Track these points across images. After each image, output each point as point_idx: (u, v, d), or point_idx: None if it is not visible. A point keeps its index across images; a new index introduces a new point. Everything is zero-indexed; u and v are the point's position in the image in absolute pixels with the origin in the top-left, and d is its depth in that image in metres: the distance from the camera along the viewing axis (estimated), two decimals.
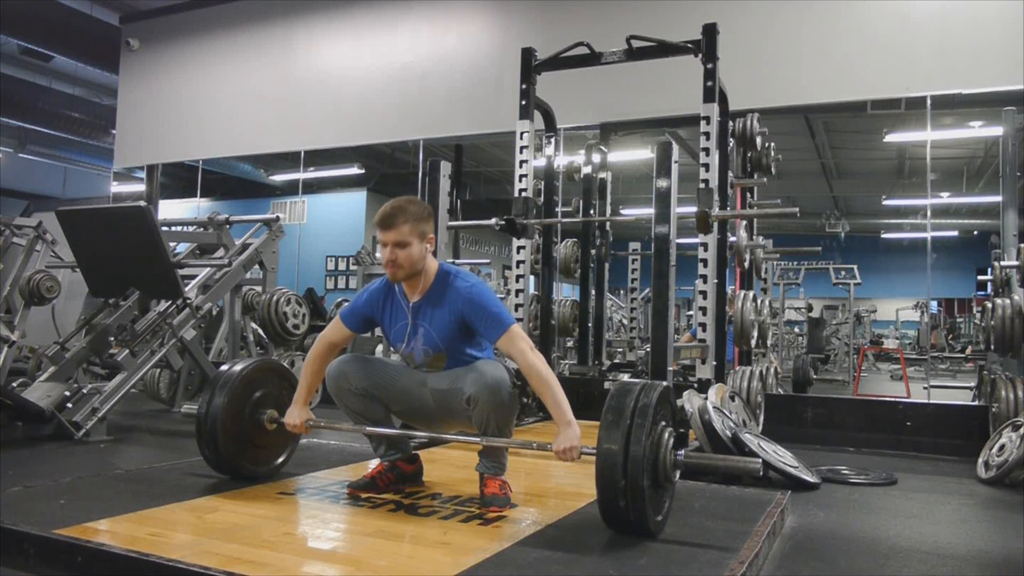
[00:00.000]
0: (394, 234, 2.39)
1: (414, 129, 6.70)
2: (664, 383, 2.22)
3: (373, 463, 2.75)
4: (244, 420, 2.69)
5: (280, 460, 2.88)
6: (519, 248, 4.42)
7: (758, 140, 5.01)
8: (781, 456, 3.36)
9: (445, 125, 6.56)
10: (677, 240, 3.37)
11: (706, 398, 3.36)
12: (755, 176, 5.24)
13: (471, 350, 2.53)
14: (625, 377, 5.14)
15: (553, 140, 4.88)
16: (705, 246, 3.95)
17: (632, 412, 2.06)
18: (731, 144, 4.79)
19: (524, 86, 4.32)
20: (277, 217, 5.72)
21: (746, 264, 5.02)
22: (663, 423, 2.16)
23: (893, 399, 6.08)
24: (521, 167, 4.35)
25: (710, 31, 3.83)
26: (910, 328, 16.77)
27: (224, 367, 2.75)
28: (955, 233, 14.62)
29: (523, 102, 4.33)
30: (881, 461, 4.10)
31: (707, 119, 3.83)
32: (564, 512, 2.35)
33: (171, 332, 4.64)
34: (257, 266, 5.61)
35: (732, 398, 3.79)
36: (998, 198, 6.64)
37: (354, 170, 10.29)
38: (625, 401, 2.10)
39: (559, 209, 5.29)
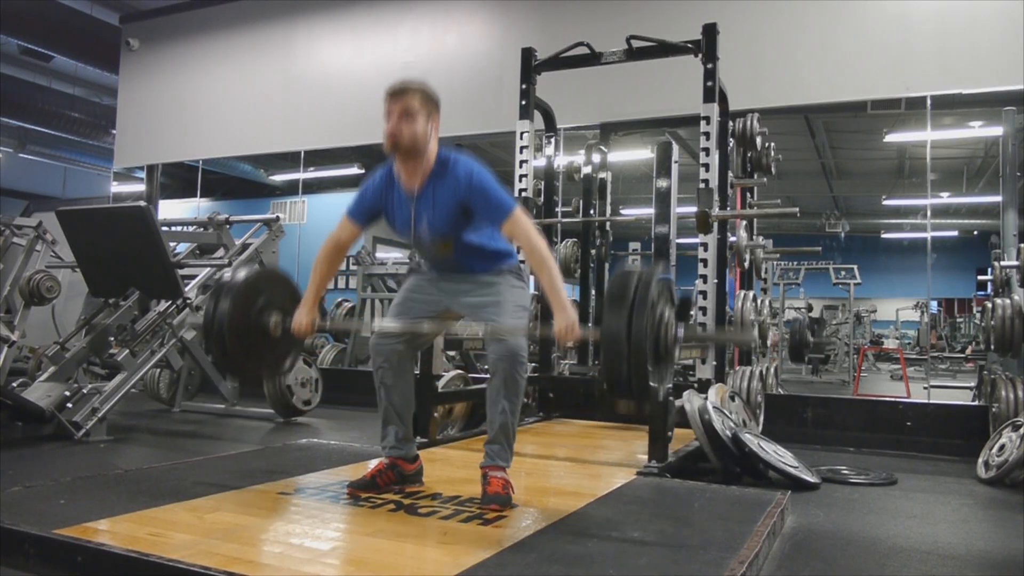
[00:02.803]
0: (402, 103, 2.37)
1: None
2: (663, 271, 2.25)
3: (373, 463, 2.75)
4: (250, 324, 2.65)
5: (287, 365, 2.89)
6: (518, 248, 4.41)
7: (758, 140, 5.01)
8: (781, 456, 3.36)
9: (445, 125, 6.43)
10: (677, 240, 3.37)
11: (706, 398, 3.36)
12: (755, 176, 5.23)
13: (477, 237, 2.49)
14: None
15: (553, 140, 4.88)
16: (705, 246, 3.95)
17: (635, 291, 2.09)
18: (731, 144, 4.79)
19: (524, 86, 4.32)
20: (277, 217, 5.72)
21: (746, 264, 5.02)
22: (663, 302, 2.19)
23: (893, 399, 6.08)
24: (521, 167, 4.34)
25: (710, 31, 3.83)
26: (910, 328, 16.76)
27: (227, 274, 2.73)
28: (955, 233, 14.62)
29: (523, 102, 4.33)
30: (881, 461, 4.10)
31: (707, 119, 3.82)
32: (564, 512, 2.34)
33: (171, 332, 4.64)
34: (257, 266, 5.60)
35: (732, 398, 3.79)
36: (998, 198, 6.65)
37: (354, 170, 10.28)
38: (628, 282, 2.13)
39: (559, 209, 5.29)
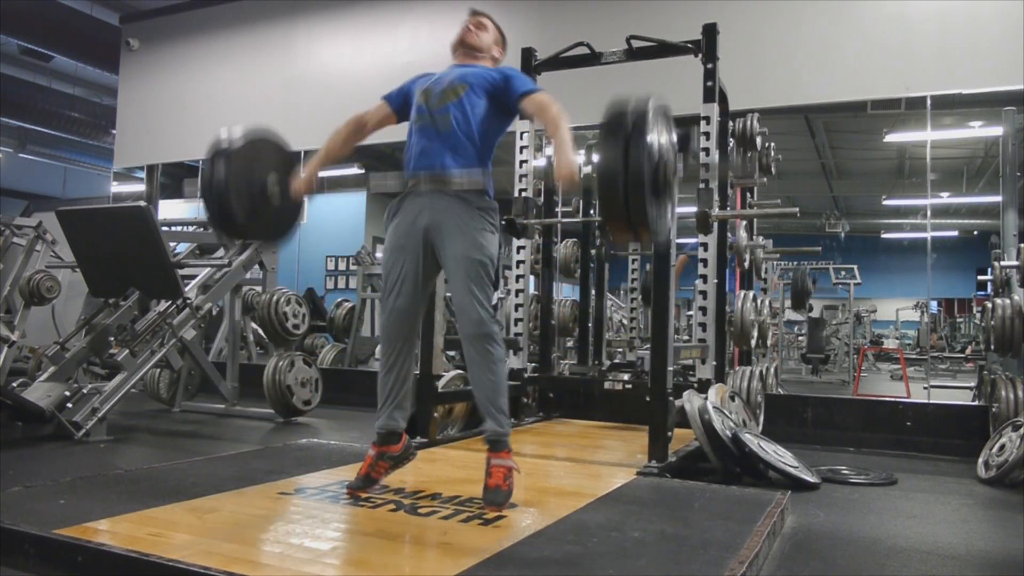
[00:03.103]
0: (480, 18, 2.73)
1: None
2: (657, 97, 2.18)
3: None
4: (250, 184, 2.69)
5: (287, 227, 2.92)
6: (519, 248, 4.42)
7: (758, 140, 5.01)
8: (781, 456, 3.36)
9: None
10: (677, 240, 3.37)
11: (706, 398, 3.36)
12: (755, 176, 5.23)
13: (484, 125, 2.52)
14: (625, 377, 5.14)
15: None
16: (705, 246, 3.95)
17: (631, 119, 2.05)
18: (731, 144, 4.79)
19: None
20: None
21: (746, 264, 5.02)
22: (661, 129, 2.14)
23: (893, 399, 6.08)
24: (521, 167, 4.35)
25: (710, 31, 3.84)
26: (910, 328, 16.76)
27: (222, 136, 2.73)
28: (955, 233, 14.61)
29: None
30: (881, 461, 4.10)
31: (707, 119, 3.83)
32: (564, 512, 2.34)
33: (171, 332, 4.64)
34: (257, 266, 5.61)
35: (732, 398, 3.79)
36: (998, 198, 6.64)
37: (354, 170, 10.28)
38: (624, 110, 2.08)
39: (559, 209, 5.29)
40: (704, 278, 3.92)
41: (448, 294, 2.91)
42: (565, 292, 6.96)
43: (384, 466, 2.57)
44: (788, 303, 10.54)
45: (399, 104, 2.69)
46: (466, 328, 2.45)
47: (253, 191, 2.70)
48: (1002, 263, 5.28)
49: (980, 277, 12.37)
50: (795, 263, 9.86)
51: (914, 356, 12.76)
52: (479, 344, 2.44)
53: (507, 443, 2.48)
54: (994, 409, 4.08)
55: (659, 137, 2.11)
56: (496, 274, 2.51)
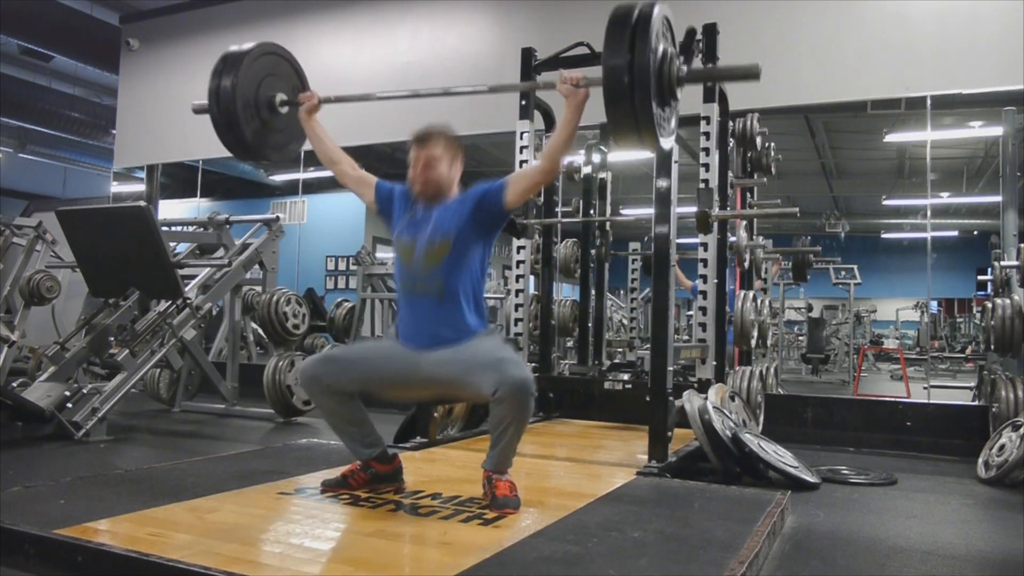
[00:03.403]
0: (427, 150, 2.47)
1: (414, 129, 6.69)
2: (662, 3, 2.16)
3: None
4: (256, 99, 2.72)
5: (292, 145, 2.95)
6: (519, 248, 4.42)
7: (758, 140, 5.01)
8: (781, 456, 3.36)
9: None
10: (677, 240, 3.37)
11: (706, 398, 3.36)
12: (755, 176, 5.23)
13: (476, 274, 2.46)
14: (625, 377, 5.14)
15: None
16: (705, 246, 3.95)
17: (634, 27, 2.04)
18: (731, 144, 4.79)
19: None
20: (277, 217, 5.72)
21: (746, 264, 5.01)
22: (665, 38, 2.14)
23: (893, 399, 6.09)
24: (521, 167, 4.34)
25: (710, 31, 3.83)
26: (910, 328, 16.76)
27: (232, 49, 2.73)
28: (955, 233, 14.62)
29: (523, 102, 4.33)
30: (881, 461, 4.10)
31: (707, 119, 3.83)
32: (564, 512, 2.34)
33: (171, 332, 4.64)
34: (257, 266, 5.61)
35: (732, 398, 3.79)
36: (998, 198, 6.65)
37: None
38: (627, 18, 2.06)
39: (559, 209, 5.28)
40: (704, 278, 3.92)
41: None
42: (565, 292, 6.97)
43: (363, 478, 2.54)
44: (788, 303, 10.57)
45: (380, 200, 2.64)
46: (506, 384, 2.23)
47: (260, 106, 2.74)
48: (1002, 263, 5.28)
49: (980, 277, 12.37)
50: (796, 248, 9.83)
51: (914, 356, 12.77)
52: (518, 402, 2.26)
53: (507, 469, 2.46)
54: (994, 409, 4.08)
55: (663, 40, 2.12)
56: (517, 353, 2.47)
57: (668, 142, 2.20)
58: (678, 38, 2.33)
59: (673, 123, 2.26)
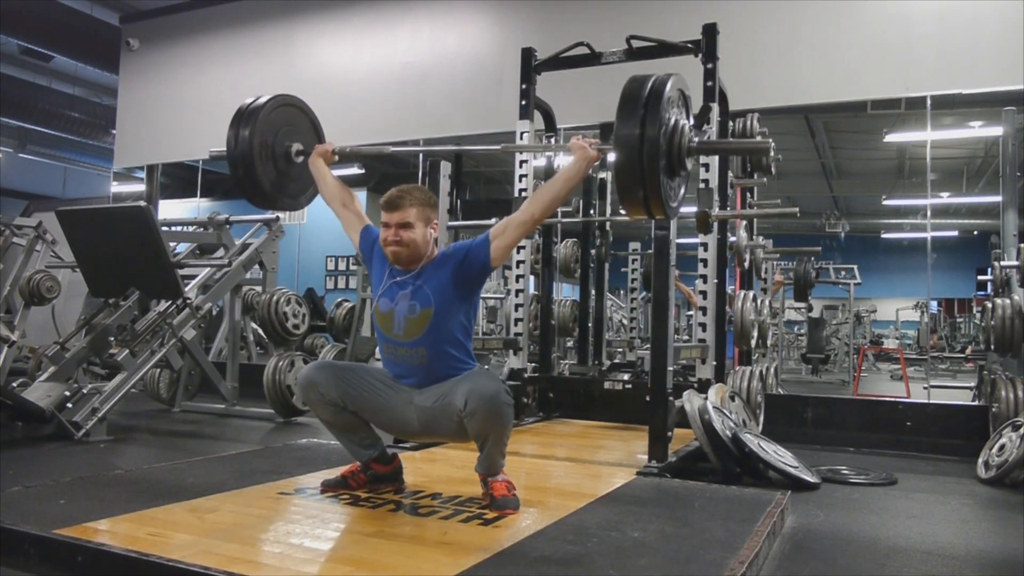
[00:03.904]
0: (399, 215, 2.40)
1: (414, 129, 6.69)
2: (676, 75, 2.20)
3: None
4: (273, 149, 2.84)
5: (307, 193, 3.03)
6: (519, 248, 4.42)
7: (758, 140, 5.01)
8: (781, 456, 3.36)
9: (445, 125, 6.55)
10: (677, 240, 3.37)
11: (706, 398, 3.36)
12: (755, 176, 5.24)
13: (459, 332, 2.43)
14: (625, 377, 5.14)
15: (553, 140, 4.88)
16: (705, 246, 3.95)
17: (647, 100, 2.06)
18: None
19: (524, 86, 4.32)
20: (277, 217, 5.72)
21: (746, 264, 5.02)
22: (677, 111, 2.16)
23: (893, 399, 6.08)
24: (521, 167, 4.35)
25: (710, 31, 3.83)
26: (910, 328, 16.77)
27: (247, 102, 2.85)
28: (955, 233, 14.62)
29: (523, 102, 4.33)
30: (881, 461, 4.10)
31: (707, 119, 3.82)
32: (564, 512, 2.34)
33: (171, 332, 4.64)
34: (257, 266, 5.61)
35: (732, 398, 3.79)
36: (998, 198, 6.64)
37: (354, 170, 10.29)
38: (640, 90, 2.09)
39: (559, 209, 5.29)
40: (704, 278, 3.92)
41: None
42: (565, 292, 6.97)
43: (363, 479, 2.55)
44: (788, 303, 10.55)
45: (363, 247, 2.63)
46: (477, 398, 2.23)
47: (278, 157, 2.83)
48: (1002, 263, 5.28)
49: (980, 277, 12.37)
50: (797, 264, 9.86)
51: (914, 356, 12.77)
52: (490, 414, 2.25)
53: (499, 471, 2.45)
54: (994, 409, 4.08)
55: (676, 110, 2.13)
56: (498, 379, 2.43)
57: (676, 210, 2.22)
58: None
59: (682, 192, 2.27)
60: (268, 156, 2.84)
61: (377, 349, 2.60)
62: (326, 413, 2.46)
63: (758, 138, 5.00)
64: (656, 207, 2.10)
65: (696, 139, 2.20)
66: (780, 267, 7.80)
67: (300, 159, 2.90)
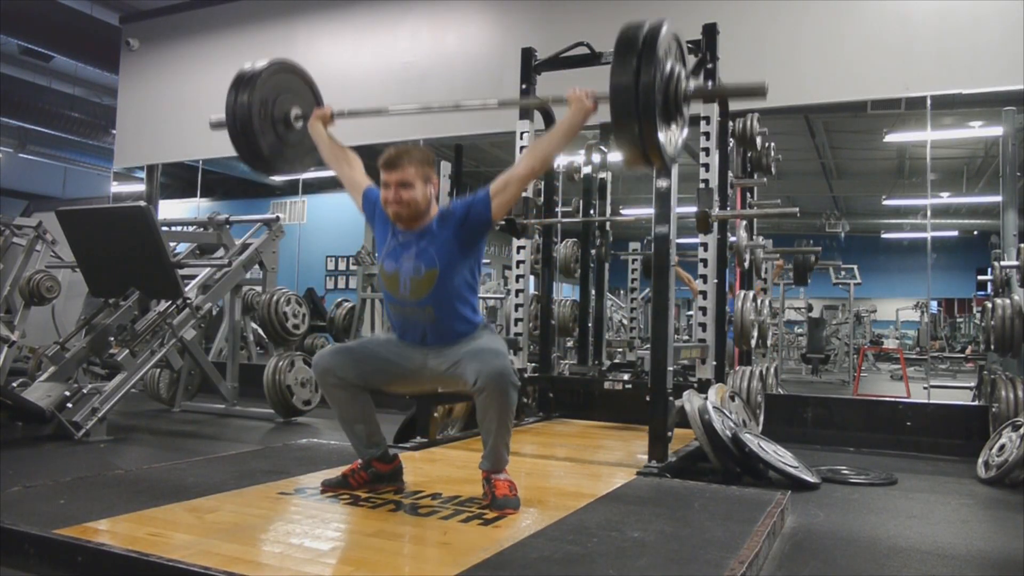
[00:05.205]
0: (398, 174, 2.40)
1: (414, 129, 6.69)
2: (669, 20, 2.18)
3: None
4: (272, 115, 2.82)
5: (307, 159, 3.04)
6: (519, 248, 4.42)
7: (758, 140, 5.01)
8: (781, 456, 3.36)
9: (445, 125, 6.55)
10: (677, 240, 3.37)
11: (706, 398, 3.36)
12: (755, 176, 5.23)
13: (464, 290, 2.46)
14: (625, 377, 5.14)
15: None
16: (705, 246, 3.95)
17: (642, 46, 2.06)
18: (731, 144, 4.79)
19: (524, 86, 4.32)
20: (277, 217, 5.72)
21: (746, 264, 5.01)
22: (673, 56, 2.15)
23: (893, 399, 6.08)
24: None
25: (710, 31, 3.84)
26: (910, 328, 16.77)
27: (245, 67, 2.83)
28: (955, 233, 14.62)
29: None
30: (881, 461, 4.10)
31: (707, 119, 3.83)
32: (564, 512, 2.34)
33: (171, 332, 4.64)
34: (257, 266, 5.61)
35: (732, 398, 3.79)
36: (998, 198, 6.64)
37: None
38: (635, 36, 2.08)
39: (559, 209, 5.28)
40: (704, 278, 3.92)
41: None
42: (565, 292, 6.97)
43: (364, 477, 2.55)
44: (788, 303, 10.56)
45: (366, 208, 2.64)
46: (485, 375, 2.26)
47: (276, 121, 2.82)
48: (1002, 263, 5.28)
49: (980, 277, 12.36)
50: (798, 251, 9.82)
51: (914, 356, 12.76)
52: (497, 392, 2.28)
53: (503, 467, 2.47)
54: (994, 409, 4.08)
55: (672, 58, 2.13)
56: (503, 346, 2.48)
57: (674, 159, 2.20)
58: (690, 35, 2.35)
59: (680, 141, 2.26)
60: (267, 120, 2.81)
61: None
62: (343, 400, 2.48)
63: (758, 139, 5.01)
64: (654, 155, 2.09)
65: (692, 85, 2.19)
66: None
67: (300, 124, 2.89)
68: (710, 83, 3.65)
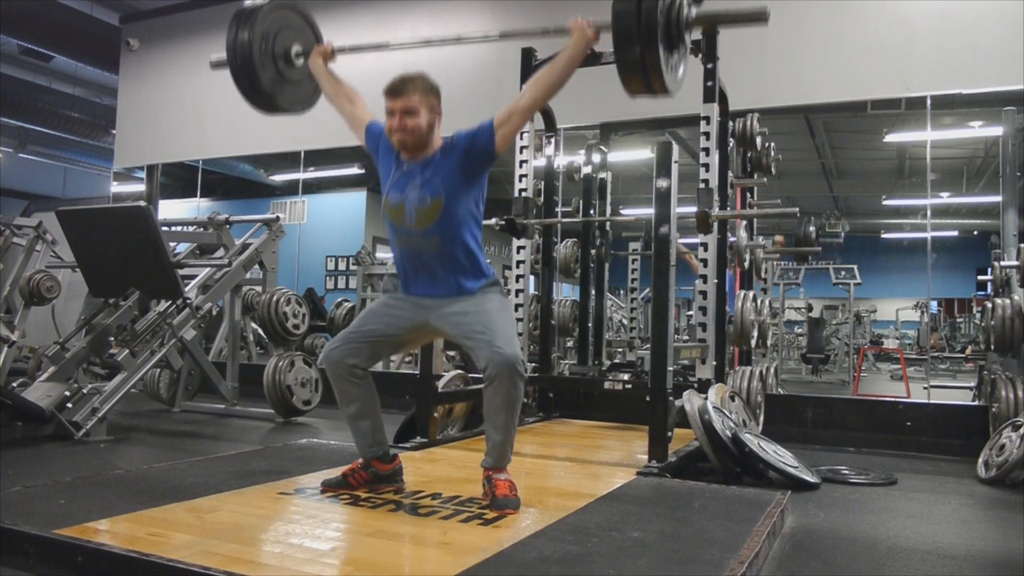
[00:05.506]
0: (403, 101, 2.40)
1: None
2: None
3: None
4: (272, 50, 2.84)
5: (308, 98, 3.06)
6: (519, 248, 4.42)
7: (758, 140, 5.01)
8: (781, 456, 3.36)
9: (445, 125, 6.50)
10: (677, 240, 3.37)
11: (706, 398, 3.36)
12: (755, 176, 5.24)
13: (469, 221, 2.45)
14: (625, 377, 5.14)
15: (553, 140, 4.87)
16: (705, 246, 3.95)
17: None
18: (731, 144, 4.79)
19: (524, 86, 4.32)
20: (277, 217, 5.72)
21: (746, 264, 5.02)
22: None
23: (893, 399, 6.08)
24: (521, 167, 4.35)
25: (710, 31, 3.83)
26: (910, 328, 16.77)
27: (245, 3, 2.85)
28: (955, 233, 14.62)
29: None
30: (881, 461, 4.10)
31: (707, 119, 3.82)
32: (564, 512, 2.34)
33: (171, 332, 4.64)
34: (257, 266, 5.61)
35: (732, 398, 3.79)
36: (998, 198, 6.64)
37: (354, 170, 10.28)
38: None
39: (559, 209, 5.29)
40: (704, 278, 3.92)
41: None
42: (565, 292, 6.97)
43: (364, 477, 2.55)
44: (788, 303, 10.56)
45: (369, 142, 2.64)
46: (493, 364, 2.29)
47: (276, 57, 2.85)
48: (1002, 263, 5.28)
49: (980, 277, 12.37)
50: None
51: (914, 356, 12.76)
52: (506, 382, 2.29)
53: (506, 465, 2.47)
54: (994, 409, 4.08)
55: None
56: (513, 324, 2.47)
57: (675, 86, 2.20)
58: None
59: (681, 70, 2.26)
60: (267, 55, 2.83)
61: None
62: (354, 395, 2.49)
63: (758, 139, 5.01)
64: (655, 79, 2.10)
65: (694, 11, 2.21)
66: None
67: (300, 61, 2.90)
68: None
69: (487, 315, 2.39)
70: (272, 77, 2.87)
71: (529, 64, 4.32)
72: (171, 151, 8.31)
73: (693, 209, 3.74)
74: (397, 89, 2.41)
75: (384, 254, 9.35)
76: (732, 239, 4.68)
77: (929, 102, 5.08)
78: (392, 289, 2.62)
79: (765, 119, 5.08)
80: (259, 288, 5.99)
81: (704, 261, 3.95)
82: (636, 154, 8.10)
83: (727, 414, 3.39)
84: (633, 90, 2.20)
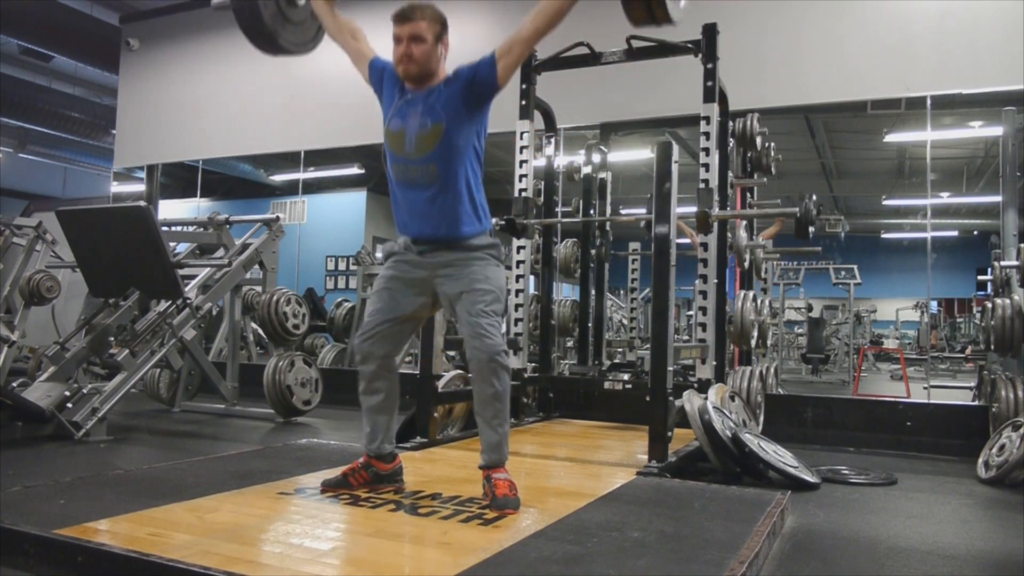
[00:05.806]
0: (410, 27, 2.40)
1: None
2: None
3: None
4: None
5: (310, 41, 3.05)
6: (519, 248, 4.42)
7: (758, 140, 5.01)
8: (781, 456, 3.36)
9: None
10: (677, 240, 3.37)
11: (706, 398, 3.36)
12: (755, 176, 5.23)
13: (470, 154, 2.45)
14: (625, 377, 5.14)
15: (553, 140, 4.88)
16: (705, 246, 3.95)
17: None
18: (731, 144, 4.79)
19: (524, 86, 4.32)
20: (277, 217, 5.72)
21: (746, 264, 5.02)
22: None
23: (893, 399, 6.08)
24: (521, 167, 4.34)
25: (710, 31, 3.83)
26: (910, 328, 16.76)
27: None
28: (955, 233, 14.61)
29: (523, 102, 4.33)
30: (881, 461, 4.10)
31: (707, 119, 3.83)
32: (564, 512, 2.34)
33: (171, 332, 4.64)
34: (257, 266, 5.61)
35: (732, 398, 3.79)
36: (998, 198, 6.64)
37: (354, 170, 10.29)
38: None
39: (559, 209, 5.29)
40: (704, 278, 3.92)
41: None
42: (565, 292, 6.97)
43: (365, 477, 2.56)
44: (788, 303, 10.55)
45: (373, 76, 2.64)
46: (476, 356, 2.35)
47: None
48: (1002, 263, 5.28)
49: (980, 277, 12.37)
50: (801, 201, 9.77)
51: (914, 356, 12.76)
52: (489, 374, 2.36)
53: (503, 462, 2.48)
54: (994, 409, 4.08)
55: None
56: (505, 306, 2.48)
57: (678, 15, 2.20)
58: None
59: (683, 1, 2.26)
60: None
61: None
62: (379, 389, 2.53)
63: (758, 139, 5.01)
64: (659, 9, 2.10)
65: None
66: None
67: (302, 1, 2.91)
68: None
69: (479, 289, 2.40)
70: (274, 12, 2.89)
71: (529, 64, 4.32)
72: (171, 151, 8.31)
73: (693, 209, 3.75)
74: (405, 15, 2.41)
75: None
76: (732, 239, 4.68)
77: (929, 102, 5.08)
78: (392, 250, 2.59)
79: (765, 119, 5.07)
80: (259, 288, 5.99)
81: (704, 261, 3.95)
82: (636, 154, 8.10)
83: (727, 414, 3.39)
84: (636, 18, 2.20)
